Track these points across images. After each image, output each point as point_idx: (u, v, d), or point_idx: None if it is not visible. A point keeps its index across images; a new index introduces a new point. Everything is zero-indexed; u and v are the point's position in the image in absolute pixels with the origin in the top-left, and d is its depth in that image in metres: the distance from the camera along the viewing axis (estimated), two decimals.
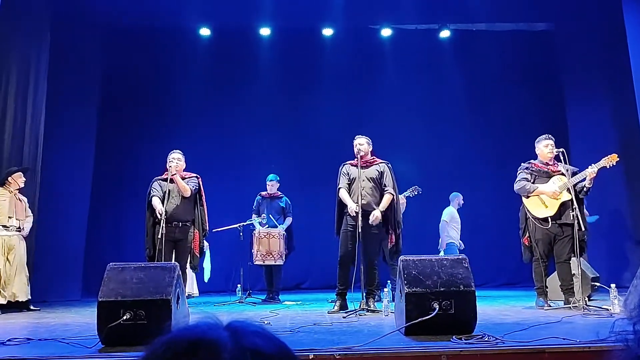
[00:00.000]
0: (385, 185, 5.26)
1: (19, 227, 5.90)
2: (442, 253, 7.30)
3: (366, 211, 5.05)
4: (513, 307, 5.35)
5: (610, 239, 7.87)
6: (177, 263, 3.71)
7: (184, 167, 5.64)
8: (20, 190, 6.03)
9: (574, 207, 4.96)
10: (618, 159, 5.03)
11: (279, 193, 7.04)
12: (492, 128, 9.30)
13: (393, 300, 4.44)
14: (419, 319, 3.25)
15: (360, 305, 4.82)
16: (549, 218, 5.14)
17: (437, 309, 3.26)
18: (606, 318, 4.16)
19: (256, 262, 6.67)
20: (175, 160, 5.50)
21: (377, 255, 5.43)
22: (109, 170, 8.64)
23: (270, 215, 6.79)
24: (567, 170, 5.15)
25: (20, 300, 5.73)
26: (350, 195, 5.23)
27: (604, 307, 4.68)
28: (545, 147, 5.30)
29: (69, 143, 7.68)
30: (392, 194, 5.25)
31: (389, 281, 5.63)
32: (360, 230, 4.88)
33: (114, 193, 8.62)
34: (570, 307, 4.86)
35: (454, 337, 3.06)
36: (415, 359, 2.73)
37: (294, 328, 3.83)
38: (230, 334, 0.62)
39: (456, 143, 9.27)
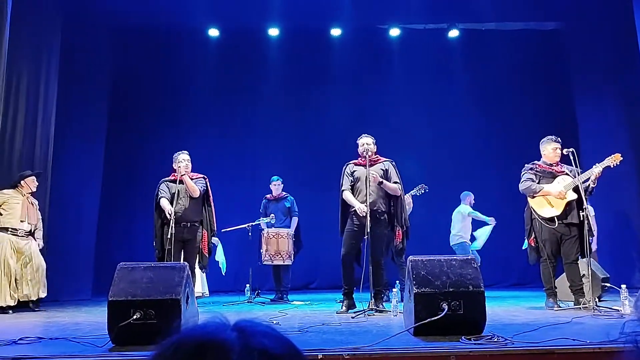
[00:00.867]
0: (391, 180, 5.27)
1: (31, 231, 5.95)
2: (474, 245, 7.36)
3: (373, 210, 5.04)
4: (522, 308, 5.32)
5: (621, 239, 7.81)
6: (186, 263, 3.72)
7: (191, 167, 5.68)
8: (32, 193, 6.08)
9: (583, 207, 4.93)
10: (622, 158, 5.03)
11: (284, 193, 7.08)
12: (500, 128, 9.27)
13: (402, 300, 4.43)
14: (428, 320, 3.24)
15: (368, 306, 4.81)
16: (555, 218, 5.12)
17: (446, 309, 3.25)
18: (617, 319, 4.13)
19: (265, 262, 6.69)
20: (185, 161, 5.55)
21: (384, 255, 5.42)
22: (119, 170, 8.71)
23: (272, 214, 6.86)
24: (572, 171, 5.16)
25: (32, 300, 5.77)
26: (355, 195, 5.23)
27: (614, 307, 4.65)
28: (553, 150, 5.29)
29: (80, 144, 7.75)
30: (399, 185, 5.26)
31: (397, 281, 5.62)
32: (368, 230, 4.88)
33: (124, 193, 8.67)
34: (580, 308, 4.83)
35: (463, 337, 3.05)
36: (424, 359, 2.73)
37: (302, 328, 3.83)
38: (238, 335, 0.62)
39: (464, 143, 9.24)
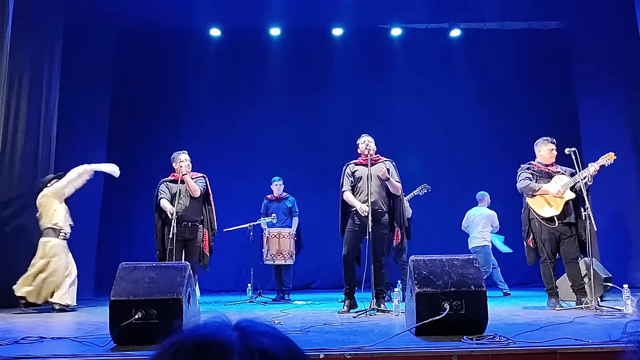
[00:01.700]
0: None
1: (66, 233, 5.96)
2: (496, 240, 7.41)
3: (374, 210, 5.04)
4: (524, 308, 5.32)
5: (624, 238, 7.79)
6: (187, 262, 3.72)
7: (191, 167, 5.68)
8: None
9: (585, 206, 4.93)
10: (616, 157, 5.07)
11: (285, 194, 7.10)
12: (502, 127, 9.25)
13: (403, 300, 4.43)
14: (430, 319, 3.24)
15: (370, 305, 4.81)
16: (555, 217, 5.12)
17: (448, 309, 3.25)
18: (619, 319, 4.12)
19: (266, 262, 6.70)
20: (186, 161, 5.56)
21: (385, 255, 5.42)
22: (121, 169, 8.68)
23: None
24: (566, 172, 5.22)
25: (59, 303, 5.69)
26: (356, 195, 5.23)
27: (616, 307, 4.64)
28: (549, 150, 5.33)
29: (82, 144, 7.75)
30: (400, 184, 5.26)
31: (399, 281, 5.62)
32: (370, 230, 4.88)
33: (125, 193, 8.67)
34: (582, 308, 4.82)
35: (464, 337, 3.05)
36: (426, 359, 2.73)
37: (304, 328, 3.84)
38: (239, 335, 0.62)
39: (467, 142, 9.22)
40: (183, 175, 5.47)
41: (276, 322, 4.28)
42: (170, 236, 5.21)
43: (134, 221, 8.63)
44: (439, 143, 9.17)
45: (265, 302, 6.44)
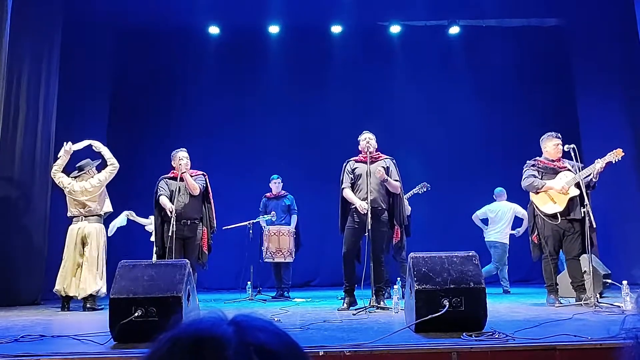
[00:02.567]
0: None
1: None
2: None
3: (374, 207, 5.04)
4: (524, 304, 5.33)
5: (623, 235, 7.80)
6: (187, 260, 3.73)
7: (190, 165, 5.68)
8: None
9: (584, 203, 4.92)
10: (623, 154, 5.00)
11: (284, 192, 7.10)
12: (501, 124, 9.25)
13: (403, 297, 4.43)
14: (429, 316, 3.24)
15: (369, 303, 4.82)
16: (558, 214, 5.11)
17: (447, 306, 3.26)
18: (618, 315, 4.13)
19: (266, 260, 6.71)
20: (185, 159, 5.55)
21: (385, 252, 5.42)
22: (120, 167, 8.68)
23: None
24: (573, 167, 5.14)
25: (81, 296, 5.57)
26: (356, 192, 5.23)
27: (615, 304, 4.65)
28: (555, 146, 5.27)
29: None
30: (399, 183, 5.25)
31: (398, 278, 5.62)
32: (369, 227, 4.88)
33: (124, 191, 8.64)
34: (581, 304, 4.83)
35: (464, 334, 3.06)
36: (425, 356, 2.73)
37: (304, 325, 3.84)
38: (234, 329, 0.62)
39: (466, 139, 9.22)
40: (182, 173, 5.46)
41: (276, 319, 4.28)
42: (170, 234, 5.20)
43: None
44: (438, 140, 9.17)
45: (265, 300, 6.45)
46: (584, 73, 8.63)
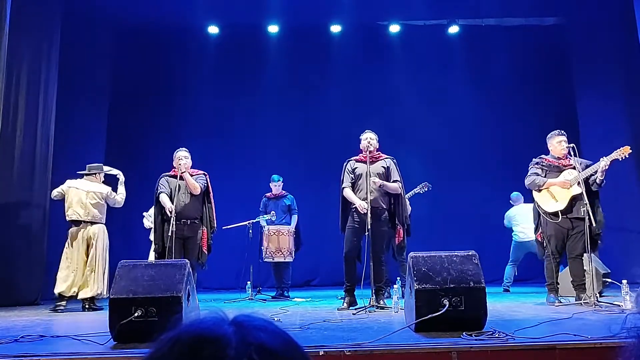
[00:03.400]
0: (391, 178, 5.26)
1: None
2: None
3: (374, 207, 5.04)
4: (524, 304, 5.33)
5: (622, 234, 7.80)
6: (187, 260, 3.73)
7: (191, 164, 5.66)
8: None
9: (585, 202, 4.90)
10: (631, 151, 4.96)
11: (284, 192, 7.10)
12: (502, 124, 9.25)
13: (403, 296, 4.43)
14: (429, 316, 3.24)
15: (369, 302, 4.82)
16: (559, 212, 5.10)
17: (447, 305, 3.26)
18: (618, 314, 4.13)
19: (266, 259, 6.71)
20: (185, 158, 5.53)
21: (385, 252, 5.42)
22: (119, 167, 8.68)
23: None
24: (580, 164, 5.11)
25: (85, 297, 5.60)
26: (356, 192, 5.22)
27: (615, 303, 4.65)
28: (558, 143, 5.25)
29: (80, 141, 7.74)
30: (400, 183, 5.25)
31: (398, 278, 5.62)
32: (369, 227, 4.88)
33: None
34: (581, 304, 4.83)
35: (464, 333, 3.06)
36: (425, 356, 2.73)
37: (304, 325, 3.84)
38: (235, 329, 0.62)
39: (465, 138, 9.22)
40: (182, 173, 5.44)
41: (276, 319, 4.28)
42: (170, 234, 5.18)
43: (133, 220, 8.60)
44: (438, 139, 9.17)
45: (265, 300, 6.45)
46: (584, 71, 8.63)
